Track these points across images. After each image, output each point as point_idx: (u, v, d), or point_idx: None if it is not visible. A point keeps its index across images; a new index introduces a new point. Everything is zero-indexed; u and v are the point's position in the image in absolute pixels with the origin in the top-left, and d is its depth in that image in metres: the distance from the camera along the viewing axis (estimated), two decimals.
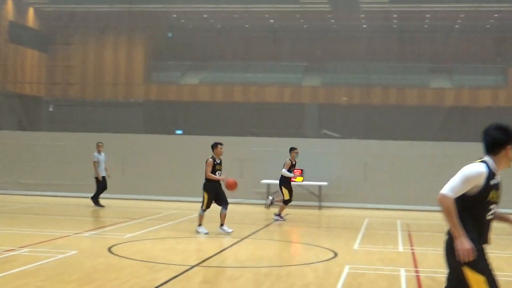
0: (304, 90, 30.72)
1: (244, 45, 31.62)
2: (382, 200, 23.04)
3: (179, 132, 29.65)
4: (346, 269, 11.03)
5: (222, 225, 15.34)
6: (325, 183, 22.86)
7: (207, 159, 15.26)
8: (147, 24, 31.61)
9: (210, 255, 12.17)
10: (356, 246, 14.06)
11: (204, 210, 15.17)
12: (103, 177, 21.07)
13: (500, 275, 11.03)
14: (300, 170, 22.64)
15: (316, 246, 13.87)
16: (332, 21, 31.19)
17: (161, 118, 29.86)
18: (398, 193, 22.84)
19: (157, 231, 15.88)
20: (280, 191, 18.86)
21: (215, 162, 15.18)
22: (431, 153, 23.09)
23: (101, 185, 21.07)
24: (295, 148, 18.99)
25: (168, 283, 9.42)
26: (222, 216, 15.32)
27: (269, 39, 30.83)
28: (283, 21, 30.85)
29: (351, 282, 10.05)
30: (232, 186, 15.17)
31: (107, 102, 31.34)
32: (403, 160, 23.33)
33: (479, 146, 19.90)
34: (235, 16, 31.13)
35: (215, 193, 15.12)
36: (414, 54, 28.92)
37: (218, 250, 12.76)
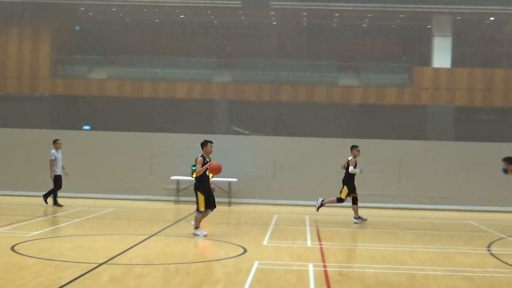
0: (214, 86, 30.66)
1: (154, 40, 31.28)
2: (291, 196, 23.25)
3: (86, 127, 29.03)
4: (255, 265, 11.05)
5: (197, 228, 14.89)
6: (234, 180, 22.88)
7: (197, 157, 14.66)
8: (54, 16, 30.78)
9: (118, 252, 11.93)
10: (265, 242, 14.11)
11: (201, 212, 14.63)
12: (58, 176, 20.22)
13: (403, 268, 11.33)
14: None
15: (225, 242, 13.84)
16: (243, 17, 31.27)
17: (68, 113, 29.17)
18: (307, 189, 23.09)
19: (64, 228, 15.47)
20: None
21: (205, 161, 14.69)
22: (339, 149, 23.44)
23: (57, 184, 20.23)
24: (357, 146, 18.50)
25: (74, 282, 9.16)
26: (202, 217, 14.91)
27: (179, 35, 30.63)
28: (193, 17, 30.70)
29: (260, 278, 10.06)
30: (218, 170, 14.70)
31: (11, 96, 30.36)
32: (312, 157, 23.60)
33: (385, 143, 20.47)
34: (145, 10, 30.75)
35: (208, 192, 14.67)
36: (323, 52, 29.35)
37: (127, 248, 12.53)
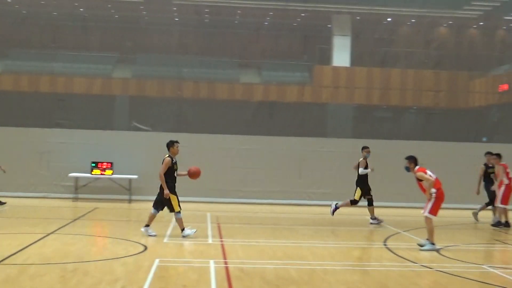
0: (114, 82, 30.13)
1: (52, 33, 30.42)
2: (192, 193, 23.14)
3: None
4: (156, 263, 10.93)
5: (147, 225, 14.54)
6: (135, 176, 22.56)
7: (164, 158, 14.37)
8: None
9: (13, 252, 11.53)
10: (166, 239, 13.99)
11: (179, 212, 14.38)
12: None
13: (304, 264, 11.47)
14: (109, 163, 22.22)
15: (125, 240, 13.62)
16: (144, 12, 30.87)
17: None
18: (209, 186, 23.07)
19: None
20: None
21: (173, 162, 14.37)
22: (240, 146, 23.55)
23: None
24: (367, 147, 18.46)
25: None
26: (151, 217, 14.57)
27: (78, 28, 29.91)
28: (93, 10, 30.04)
29: (161, 275, 9.96)
30: (197, 173, 14.70)
31: None
32: (214, 154, 23.59)
33: (286, 140, 20.59)
34: (42, 2, 29.85)
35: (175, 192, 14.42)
36: (225, 49, 29.38)
37: (22, 247, 12.12)
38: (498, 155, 18.04)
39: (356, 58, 27.91)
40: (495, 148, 22.14)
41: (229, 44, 29.38)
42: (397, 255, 12.84)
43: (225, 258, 11.84)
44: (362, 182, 18.28)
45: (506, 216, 17.75)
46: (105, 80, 29.83)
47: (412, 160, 13.96)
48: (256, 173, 22.48)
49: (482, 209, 18.92)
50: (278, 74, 29.92)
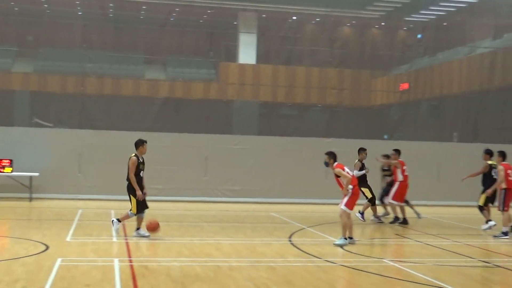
0: (14, 76, 29.16)
1: None
2: (96, 191, 22.76)
3: None
4: (58, 262, 10.66)
5: (138, 228, 14.15)
6: (36, 174, 21.93)
7: (130, 157, 13.89)
8: None
9: None
10: (68, 238, 13.67)
11: (135, 214, 14.03)
12: None
13: (209, 261, 11.44)
14: (9, 161, 21.53)
15: (26, 239, 13.22)
16: (46, 5, 30.02)
17: None
18: (113, 184, 22.73)
19: None
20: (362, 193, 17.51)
21: (139, 161, 13.85)
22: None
23: None
24: (365, 149, 18.02)
25: None
26: (139, 219, 14.18)
27: None
28: None
29: (63, 275, 9.71)
30: (155, 228, 14.00)
31: None
32: (119, 151, 23.23)
33: (192, 137, 20.41)
34: None
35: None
36: (130, 44, 28.96)
37: None
38: (397, 151, 18.48)
39: (262, 55, 28.11)
40: (396, 145, 22.78)
41: (134, 39, 28.97)
42: (302, 250, 13.00)
43: (129, 256, 11.67)
44: (363, 182, 17.77)
45: (403, 213, 18.22)
46: (4, 75, 28.82)
47: (332, 156, 14.19)
48: (162, 170, 22.29)
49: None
50: (184, 71, 29.77)
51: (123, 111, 26.26)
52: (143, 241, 13.55)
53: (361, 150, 18.15)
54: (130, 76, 28.93)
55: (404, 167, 18.30)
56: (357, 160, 17.98)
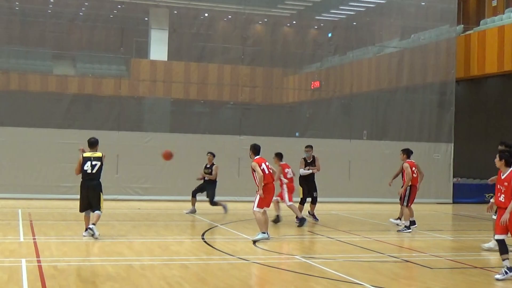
0: None
1: None
2: (6, 190, 22.06)
3: None
4: None
5: (94, 224, 13.63)
6: None
7: (103, 154, 13.91)
8: None
9: None
10: None
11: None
12: None
13: (121, 260, 11.24)
14: None
15: None
16: None
17: None
18: (21, 182, 22.08)
19: None
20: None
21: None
22: (55, 140, 22.80)
23: None
24: (309, 146, 18.19)
25: None
26: (98, 216, 13.67)
27: None
28: None
29: None
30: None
31: None
32: (25, 148, 22.57)
33: (103, 134, 20.04)
34: None
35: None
36: (37, 39, 28.08)
37: None
38: (278, 155, 18.08)
39: (174, 52, 27.82)
40: (307, 142, 23.03)
41: (41, 34, 28.12)
42: (215, 248, 12.96)
43: (38, 256, 11.32)
44: (302, 181, 18.08)
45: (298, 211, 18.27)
46: None
47: (252, 149, 14.22)
48: (72, 168, 21.76)
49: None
50: (94, 67, 29.13)
51: (30, 108, 25.45)
52: (52, 240, 13.18)
53: (306, 147, 18.36)
54: (37, 71, 28.08)
55: (286, 170, 18.08)
56: (302, 158, 18.24)
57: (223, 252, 12.49)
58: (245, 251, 12.80)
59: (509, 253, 10.65)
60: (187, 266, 10.91)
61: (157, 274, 10.08)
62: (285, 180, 17.47)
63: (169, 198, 23.26)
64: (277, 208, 17.49)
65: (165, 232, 15.40)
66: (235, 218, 18.51)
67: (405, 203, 16.50)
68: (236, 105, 26.78)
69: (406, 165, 16.67)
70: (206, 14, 27.75)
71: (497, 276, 10.50)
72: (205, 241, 13.84)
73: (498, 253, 10.81)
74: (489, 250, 13.53)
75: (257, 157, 14.11)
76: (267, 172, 14.04)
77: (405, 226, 16.55)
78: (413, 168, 16.51)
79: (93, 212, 13.71)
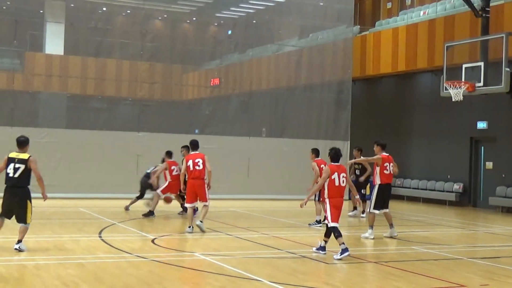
0: None
1: None
2: None
3: None
4: None
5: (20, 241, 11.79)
6: None
7: (32, 157, 11.99)
8: None
9: None
10: None
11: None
12: None
13: (13, 260, 10.86)
14: None
15: None
16: None
17: None
18: None
19: None
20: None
21: None
22: None
23: None
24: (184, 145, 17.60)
25: None
26: (24, 230, 11.83)
27: None
28: None
29: None
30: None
31: None
32: None
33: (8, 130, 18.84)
34: None
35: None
36: None
37: None
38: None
39: (70, 46, 27.13)
40: (207, 139, 23.05)
41: None
42: (112, 246, 12.73)
43: None
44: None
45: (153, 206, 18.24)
46: None
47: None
48: None
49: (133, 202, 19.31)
50: None
51: None
52: None
53: (184, 147, 18.25)
54: None
55: (172, 167, 18.33)
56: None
57: (121, 250, 12.28)
58: (144, 249, 12.64)
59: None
60: (83, 265, 10.67)
61: (52, 274, 9.80)
62: (169, 178, 18.01)
63: (65, 195, 22.67)
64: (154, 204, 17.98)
65: (60, 230, 15.02)
66: (134, 215, 18.26)
67: (316, 199, 16.86)
68: (135, 101, 26.43)
69: (313, 164, 17.08)
70: (104, 8, 27.22)
71: (335, 256, 11.89)
72: (102, 239, 13.57)
73: (389, 247, 11.13)
74: (366, 239, 14.64)
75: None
76: (191, 168, 14.68)
77: (316, 221, 16.86)
78: (322, 166, 16.78)
79: (19, 223, 11.92)
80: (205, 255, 12.21)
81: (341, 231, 12.22)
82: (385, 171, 14.91)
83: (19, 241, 11.73)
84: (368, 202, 16.78)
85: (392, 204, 18.67)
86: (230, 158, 24.35)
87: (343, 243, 11.95)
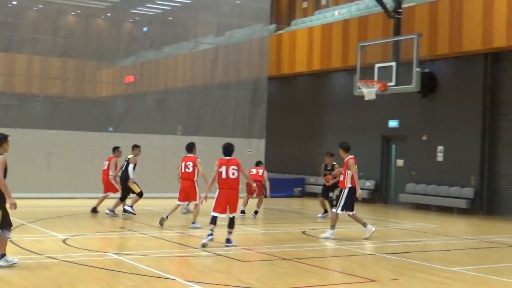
0: None
1: None
2: None
3: None
4: None
5: (4, 255, 10.35)
6: None
7: None
8: None
9: None
10: None
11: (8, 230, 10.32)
12: None
13: None
14: None
15: None
16: None
17: None
18: None
19: None
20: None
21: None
22: None
23: None
24: (139, 146, 18.43)
25: None
26: (4, 241, 10.39)
27: None
28: None
29: None
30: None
31: None
32: None
33: None
34: None
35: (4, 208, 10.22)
36: None
37: None
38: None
39: None
40: (121, 138, 22.75)
41: None
42: (21, 247, 12.36)
43: None
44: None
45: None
46: None
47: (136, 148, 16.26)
48: None
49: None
50: None
51: None
52: None
53: (135, 147, 18.44)
54: None
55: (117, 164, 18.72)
56: (132, 155, 18.28)
57: (30, 251, 11.95)
58: (55, 249, 12.34)
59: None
60: None
61: None
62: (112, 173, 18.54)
63: None
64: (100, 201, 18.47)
65: None
66: (45, 215, 17.82)
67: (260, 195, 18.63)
68: (47, 98, 25.79)
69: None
70: (14, 2, 26.42)
71: (203, 241, 12.81)
72: (11, 241, 13.13)
73: (303, 244, 11.22)
74: (327, 239, 14.58)
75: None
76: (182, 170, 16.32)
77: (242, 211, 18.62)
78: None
79: None
80: (119, 254, 12.02)
81: (216, 221, 13.12)
82: (354, 174, 14.94)
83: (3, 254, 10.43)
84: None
85: (306, 202, 18.92)
86: (145, 156, 24.04)
87: (212, 230, 12.99)
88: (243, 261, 11.73)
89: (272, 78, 30.10)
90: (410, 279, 10.49)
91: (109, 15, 28.85)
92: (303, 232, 16.09)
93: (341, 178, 15.26)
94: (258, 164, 20.55)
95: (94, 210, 18.46)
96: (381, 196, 26.32)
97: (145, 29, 28.63)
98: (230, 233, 13.12)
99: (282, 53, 29.96)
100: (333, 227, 14.88)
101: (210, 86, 28.24)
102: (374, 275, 10.65)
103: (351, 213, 14.93)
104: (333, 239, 14.62)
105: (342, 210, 14.82)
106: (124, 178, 18.15)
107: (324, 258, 12.32)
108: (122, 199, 18.20)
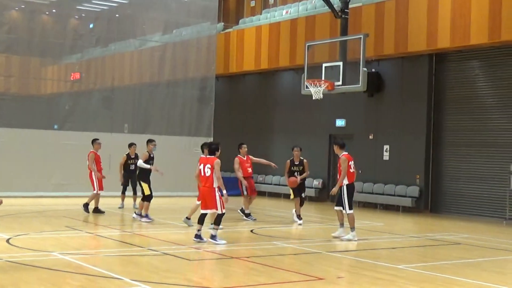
0: None
1: None
2: None
3: None
4: None
5: None
6: None
7: None
8: None
9: None
10: None
11: None
12: None
13: None
14: None
15: None
16: None
17: None
18: None
19: None
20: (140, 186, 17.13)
21: None
22: None
23: None
24: (153, 140, 17.47)
25: None
26: None
27: None
28: None
29: None
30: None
31: None
32: None
33: None
34: None
35: None
36: None
37: None
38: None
39: None
40: (67, 136, 22.41)
41: None
42: None
43: None
44: (144, 175, 17.12)
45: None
46: None
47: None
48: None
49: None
50: None
51: None
52: None
53: (149, 141, 17.69)
54: None
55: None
56: (145, 151, 17.48)
57: None
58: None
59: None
60: None
61: None
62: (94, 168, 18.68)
63: None
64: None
65: None
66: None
67: (245, 193, 18.41)
68: None
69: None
70: None
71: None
72: None
73: (250, 242, 11.20)
74: (349, 241, 14.65)
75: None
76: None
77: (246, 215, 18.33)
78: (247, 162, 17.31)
79: None
80: (64, 254, 11.82)
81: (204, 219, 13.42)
82: (350, 170, 15.00)
83: None
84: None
85: (254, 200, 18.94)
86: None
87: (199, 230, 13.46)
88: (190, 260, 11.67)
89: (220, 76, 30.05)
90: (357, 277, 10.58)
91: (54, 10, 28.35)
92: (251, 231, 16.10)
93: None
94: None
95: (97, 210, 18.30)
96: (328, 194, 26.48)
97: (91, 25, 28.22)
98: (215, 229, 13.50)
99: (230, 51, 29.93)
100: (353, 228, 14.89)
101: (157, 84, 28.05)
102: (321, 272, 10.71)
103: (349, 211, 14.89)
104: (355, 240, 14.65)
105: (350, 209, 14.84)
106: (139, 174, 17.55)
107: (272, 256, 12.33)
108: (145, 199, 17.19)
